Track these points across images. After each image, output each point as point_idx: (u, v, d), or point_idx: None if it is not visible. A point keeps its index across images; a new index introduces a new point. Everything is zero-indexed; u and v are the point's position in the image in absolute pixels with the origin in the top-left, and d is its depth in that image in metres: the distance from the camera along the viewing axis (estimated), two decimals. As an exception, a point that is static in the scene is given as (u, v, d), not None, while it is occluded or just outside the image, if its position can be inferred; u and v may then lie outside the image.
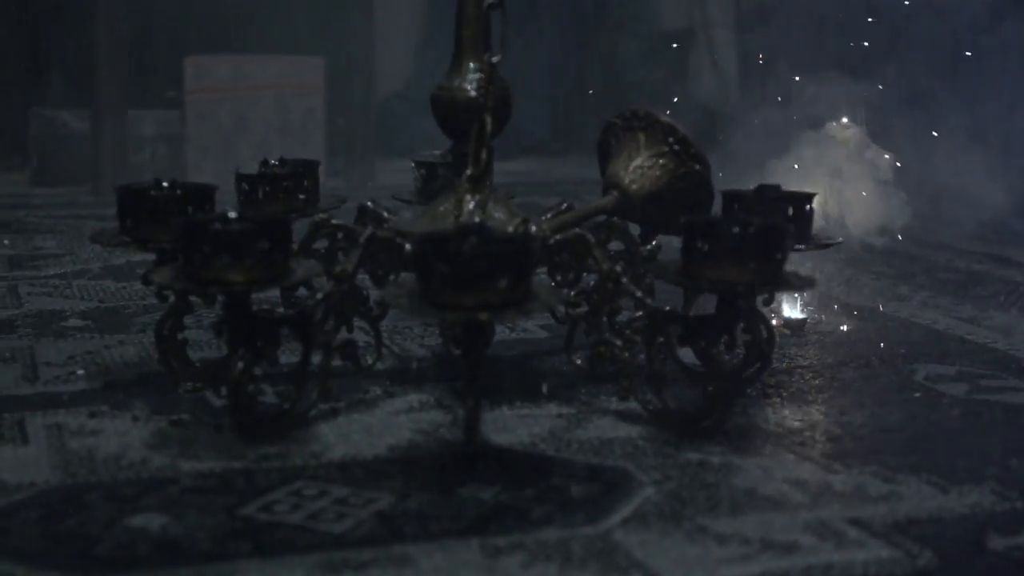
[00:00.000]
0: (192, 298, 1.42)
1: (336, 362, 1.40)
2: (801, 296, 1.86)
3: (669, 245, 1.56)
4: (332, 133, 3.37)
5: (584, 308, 1.47)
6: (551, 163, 3.68)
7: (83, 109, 3.20)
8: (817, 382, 1.56)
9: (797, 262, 1.71)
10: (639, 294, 1.40)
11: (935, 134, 2.45)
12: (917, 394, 1.53)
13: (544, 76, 3.91)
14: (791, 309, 1.84)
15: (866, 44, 2.63)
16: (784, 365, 1.62)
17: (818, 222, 1.57)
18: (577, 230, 1.45)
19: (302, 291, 1.55)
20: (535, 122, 3.79)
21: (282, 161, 1.64)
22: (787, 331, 1.79)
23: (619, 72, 4.00)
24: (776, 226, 1.32)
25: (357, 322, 1.45)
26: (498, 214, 1.45)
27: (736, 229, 1.29)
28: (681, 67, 4.03)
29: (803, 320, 1.83)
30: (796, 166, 2.01)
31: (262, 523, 1.11)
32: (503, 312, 1.17)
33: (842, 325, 1.85)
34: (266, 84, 3.30)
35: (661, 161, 1.54)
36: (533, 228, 1.44)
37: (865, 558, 1.06)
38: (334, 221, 1.50)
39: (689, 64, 4.06)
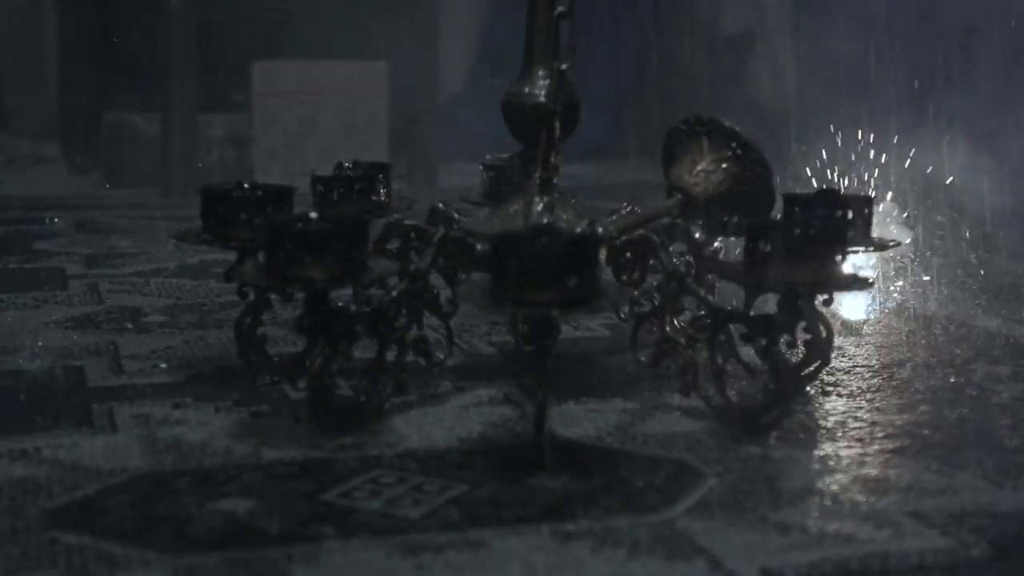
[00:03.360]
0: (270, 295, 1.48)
1: (408, 357, 1.46)
2: (861, 298, 1.90)
3: (731, 247, 1.61)
4: (395, 136, 3.44)
5: (648, 307, 1.52)
6: (611, 166, 3.73)
7: (154, 112, 3.28)
8: (875, 381, 1.60)
9: (859, 265, 1.75)
10: (702, 293, 1.44)
11: None
12: (973, 393, 1.56)
13: (604, 80, 3.95)
14: (851, 310, 1.88)
15: None
16: (843, 364, 1.66)
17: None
18: (642, 231, 1.50)
19: (373, 289, 1.60)
20: (595, 126, 3.84)
21: (355, 164, 1.70)
22: (847, 331, 1.83)
23: (678, 76, 4.04)
24: (835, 228, 1.36)
25: (427, 319, 1.51)
26: (566, 215, 1.50)
27: (797, 231, 1.34)
28: (740, 71, 4.06)
29: (862, 321, 1.86)
30: None
31: (343, 508, 1.17)
32: (572, 309, 1.22)
33: (901, 327, 1.89)
34: (331, 89, 3.38)
35: (724, 165, 1.59)
36: (600, 229, 1.49)
37: (921, 547, 1.10)
38: (407, 222, 1.55)
39: (748, 69, 4.09)
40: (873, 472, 1.28)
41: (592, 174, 3.54)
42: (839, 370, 1.63)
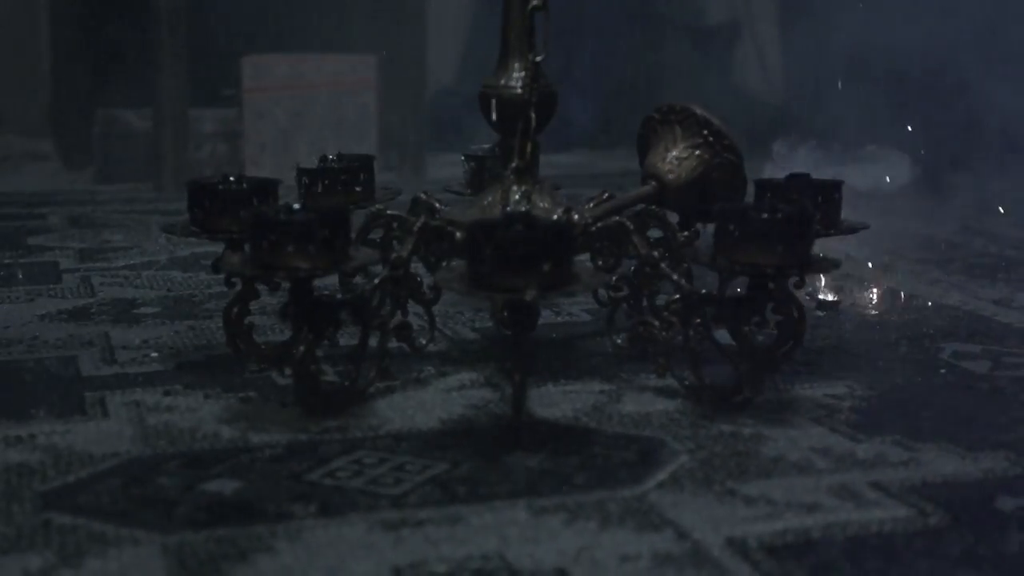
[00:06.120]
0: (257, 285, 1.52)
1: (392, 343, 1.50)
2: (836, 279, 1.95)
3: (704, 232, 1.65)
4: (384, 129, 3.47)
5: (624, 291, 1.57)
6: (597, 156, 3.76)
7: (145, 108, 3.31)
8: (846, 360, 1.64)
9: (836, 247, 1.79)
10: (676, 277, 1.49)
11: None
12: (942, 370, 1.61)
13: (590, 70, 3.98)
14: (825, 291, 1.93)
15: None
16: (816, 344, 1.70)
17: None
18: (617, 218, 1.55)
19: (358, 278, 1.65)
20: (581, 116, 3.88)
21: (339, 156, 1.75)
22: (820, 312, 1.87)
23: (664, 66, 4.08)
24: (802, 212, 1.41)
25: (411, 306, 1.55)
26: (543, 203, 1.55)
27: (765, 215, 1.38)
28: (726, 61, 4.10)
29: (836, 302, 1.91)
30: None
31: (327, 487, 1.21)
32: (548, 293, 1.26)
33: (875, 307, 1.93)
34: (321, 82, 3.41)
35: (697, 152, 1.63)
36: (575, 216, 1.53)
37: (881, 516, 1.15)
38: (389, 212, 1.60)
39: (734, 58, 4.13)
40: (840, 447, 1.33)
41: (578, 163, 3.58)
42: (811, 350, 1.67)
